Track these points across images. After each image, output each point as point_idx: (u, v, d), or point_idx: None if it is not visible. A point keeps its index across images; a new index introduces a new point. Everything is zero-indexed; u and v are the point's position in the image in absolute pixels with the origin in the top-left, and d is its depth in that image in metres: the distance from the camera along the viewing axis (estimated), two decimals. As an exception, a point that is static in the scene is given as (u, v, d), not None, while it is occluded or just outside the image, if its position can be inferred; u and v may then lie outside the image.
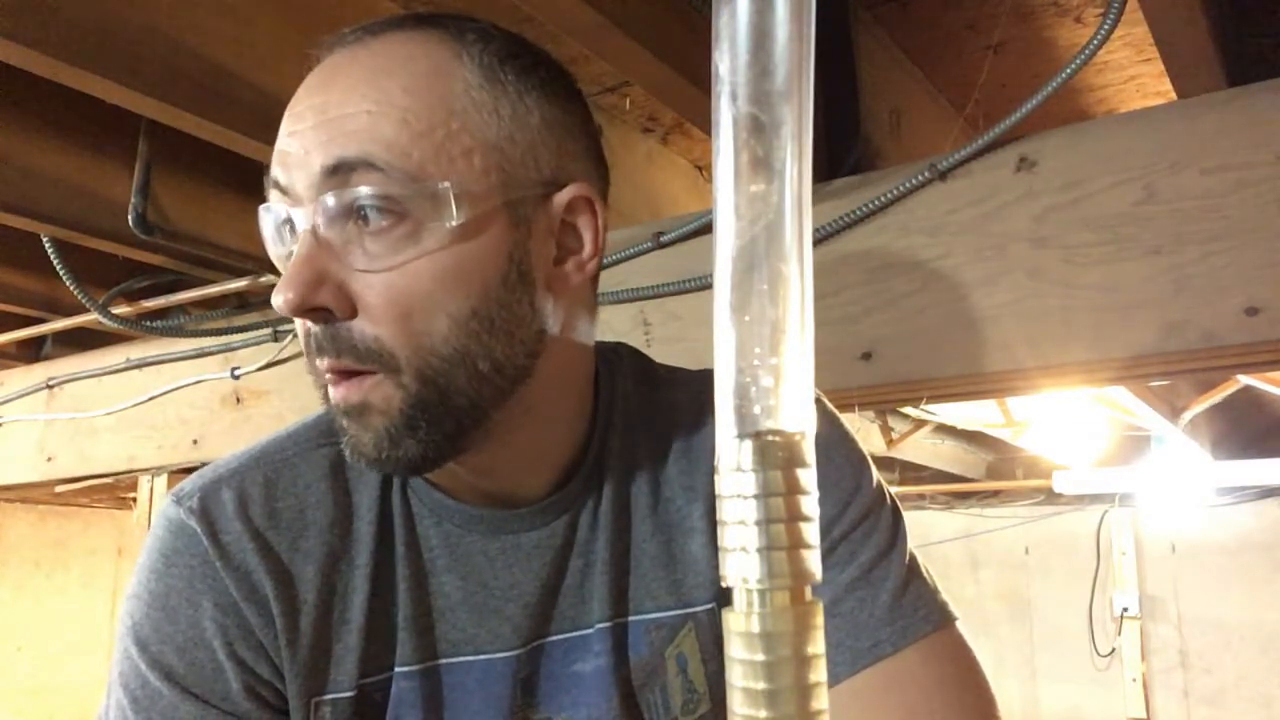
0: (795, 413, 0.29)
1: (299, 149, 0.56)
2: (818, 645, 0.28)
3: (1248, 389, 2.45)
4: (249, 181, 1.20)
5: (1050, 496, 4.10)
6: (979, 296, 1.15)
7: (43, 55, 0.96)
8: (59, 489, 2.30)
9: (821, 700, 0.28)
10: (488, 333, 0.57)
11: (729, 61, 0.29)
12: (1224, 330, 1.01)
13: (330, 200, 0.55)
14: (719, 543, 0.29)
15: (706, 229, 1.33)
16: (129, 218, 1.45)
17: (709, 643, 0.68)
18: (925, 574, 0.68)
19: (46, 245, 1.62)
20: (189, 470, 1.94)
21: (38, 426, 2.25)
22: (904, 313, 1.19)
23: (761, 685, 0.28)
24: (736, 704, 0.28)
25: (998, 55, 1.51)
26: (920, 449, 3.38)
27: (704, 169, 1.91)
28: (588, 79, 1.52)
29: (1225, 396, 2.55)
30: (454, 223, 0.55)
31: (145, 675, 0.62)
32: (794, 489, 0.28)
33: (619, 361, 0.73)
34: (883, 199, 1.21)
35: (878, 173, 1.27)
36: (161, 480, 2.02)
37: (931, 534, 4.39)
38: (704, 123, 1.35)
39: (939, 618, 0.65)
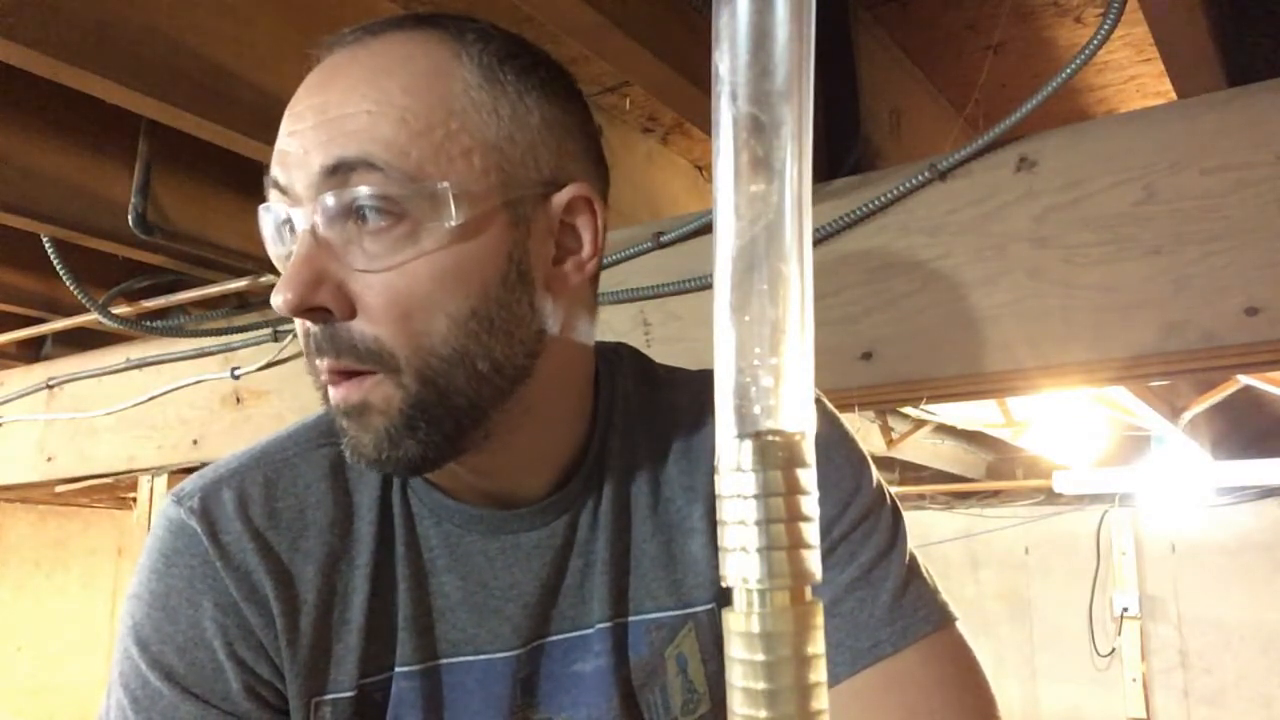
0: (795, 413, 0.29)
1: (298, 149, 0.56)
2: (818, 645, 0.28)
3: (1248, 389, 2.45)
4: (249, 181, 1.20)
5: (1050, 496, 4.10)
6: (979, 296, 1.15)
7: (43, 55, 0.96)
8: (59, 489, 2.30)
9: (821, 700, 0.28)
10: (487, 333, 0.57)
11: (729, 61, 0.29)
12: (1224, 330, 1.01)
13: (329, 200, 0.55)
14: (719, 543, 0.29)
15: (706, 229, 1.33)
16: (129, 218, 1.45)
17: (709, 643, 0.68)
18: (925, 574, 0.68)
19: (46, 245, 1.62)
20: (189, 470, 1.94)
21: (38, 426, 2.25)
22: (904, 313, 1.19)
23: (761, 685, 0.28)
24: (736, 704, 0.28)
25: (998, 55, 1.51)
26: (920, 449, 3.38)
27: (704, 169, 1.91)
28: (588, 79, 1.52)
29: (1225, 396, 2.55)
30: (453, 223, 0.55)
31: (145, 675, 0.62)
32: (794, 489, 0.28)
33: (619, 361, 0.73)
34: (883, 199, 1.21)
35: (878, 173, 1.27)
36: (161, 480, 2.02)
37: (931, 534, 4.39)
38: (704, 123, 1.35)
39: (939, 618, 0.65)
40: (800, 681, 0.28)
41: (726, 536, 0.29)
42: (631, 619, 0.67)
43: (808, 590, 0.29)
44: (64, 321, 2.03)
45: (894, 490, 0.72)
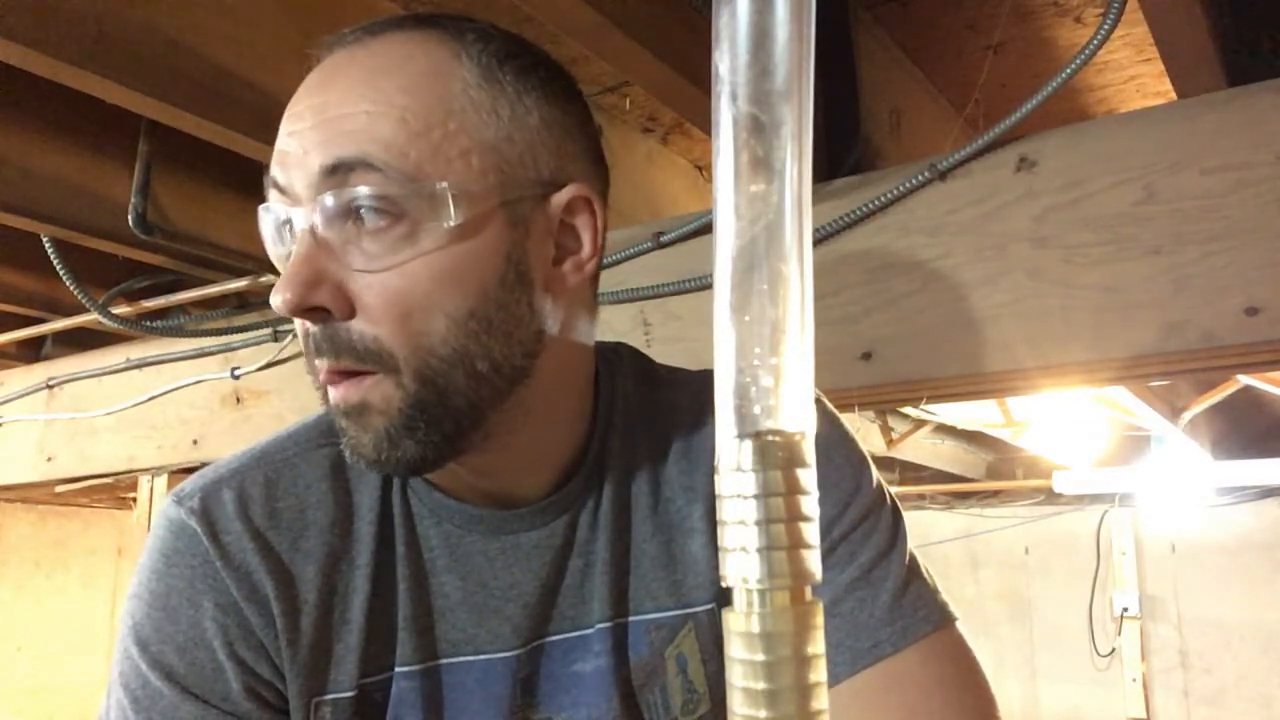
0: (795, 413, 0.29)
1: (298, 149, 0.56)
2: (818, 645, 0.28)
3: (1248, 389, 2.45)
4: (249, 181, 1.20)
5: (1050, 496, 4.10)
6: (979, 296, 1.15)
7: (43, 55, 0.96)
8: (59, 489, 2.30)
9: (821, 700, 0.28)
10: (486, 333, 0.57)
11: (729, 61, 0.29)
12: (1224, 330, 1.01)
13: (328, 200, 0.55)
14: (719, 543, 0.29)
15: (706, 229, 1.33)
16: (129, 218, 1.45)
17: (709, 643, 0.68)
18: (925, 574, 0.68)
19: (46, 245, 1.62)
20: (189, 470, 1.94)
21: (38, 426, 2.25)
22: (904, 313, 1.19)
23: (761, 685, 0.28)
24: (736, 704, 0.28)
25: (998, 55, 1.51)
26: (920, 449, 3.38)
27: (704, 169, 1.91)
28: (588, 79, 1.52)
29: (1225, 396, 2.55)
30: (451, 223, 0.55)
31: (146, 675, 0.62)
32: (794, 489, 0.28)
33: (619, 361, 0.73)
34: (883, 199, 1.21)
35: (878, 173, 1.27)
36: (161, 480, 2.02)
37: (931, 534, 4.39)
38: (704, 123, 1.35)
39: (939, 618, 0.65)
40: (800, 681, 0.28)
41: (726, 536, 0.29)
42: (631, 619, 0.67)
43: (808, 590, 0.29)
44: (64, 321, 2.04)
45: (894, 490, 0.72)
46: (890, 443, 2.92)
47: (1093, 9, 1.40)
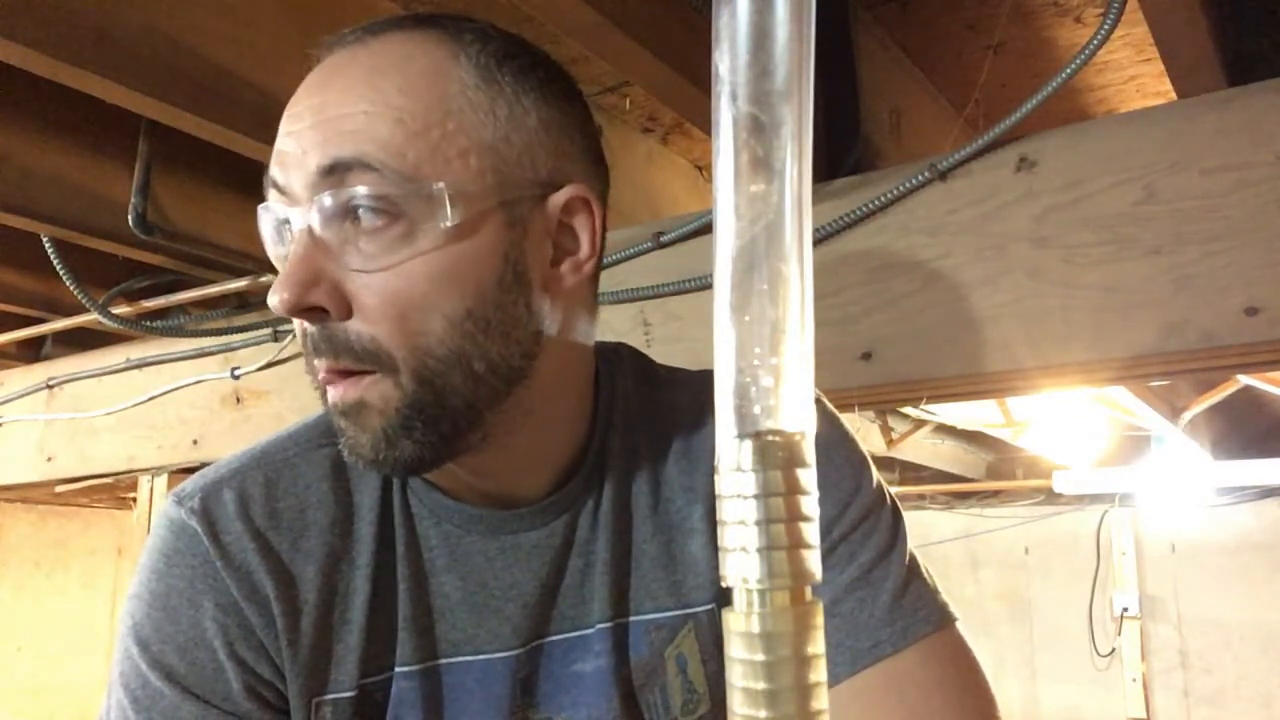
0: (795, 413, 0.29)
1: (296, 149, 0.56)
2: (818, 645, 0.28)
3: (1248, 389, 2.45)
4: (249, 181, 1.20)
5: (1050, 496, 4.10)
6: (979, 296, 1.15)
7: (43, 55, 0.96)
8: (59, 489, 2.30)
9: (821, 700, 0.28)
10: (483, 334, 0.57)
11: (729, 61, 0.29)
12: (1224, 330, 1.01)
13: (326, 200, 0.55)
14: (719, 543, 0.29)
15: (706, 229, 1.33)
16: (129, 218, 1.45)
17: (709, 643, 0.68)
18: (925, 574, 0.68)
19: (46, 245, 1.62)
20: (189, 470, 1.94)
21: (38, 426, 2.25)
22: (904, 313, 1.19)
23: (761, 685, 0.28)
24: (736, 704, 0.28)
25: (998, 55, 1.51)
26: (920, 449, 3.38)
27: (704, 169, 1.91)
28: (588, 79, 1.52)
29: (1225, 396, 2.55)
30: (448, 223, 0.55)
31: (146, 675, 0.62)
32: (794, 489, 0.28)
33: (619, 362, 0.73)
34: (883, 199, 1.21)
35: (878, 173, 1.27)
36: (161, 480, 2.02)
37: (931, 534, 4.39)
38: (704, 123, 1.35)
39: (939, 618, 0.65)
40: (800, 681, 0.28)
41: (726, 536, 0.29)
42: (631, 619, 0.67)
43: (808, 590, 0.29)
44: (64, 321, 2.03)
45: (894, 490, 0.72)
46: (890, 443, 2.92)
47: (1093, 9, 1.41)
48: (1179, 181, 1.05)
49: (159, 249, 1.56)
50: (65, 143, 1.42)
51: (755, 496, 0.28)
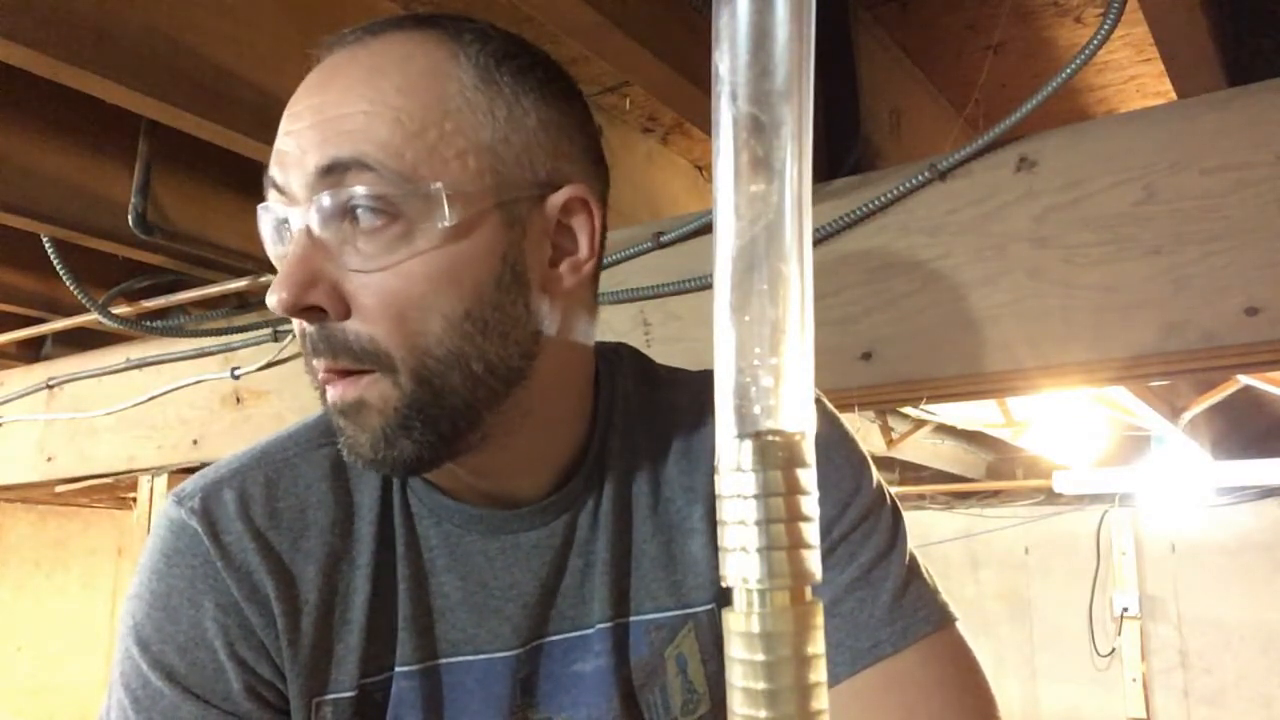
0: (795, 413, 0.29)
1: (295, 149, 0.56)
2: (818, 645, 0.28)
3: (1248, 389, 2.45)
4: (249, 181, 1.20)
5: (1050, 496, 4.10)
6: (979, 296, 1.15)
7: (43, 55, 0.96)
8: (59, 489, 2.30)
9: (821, 700, 0.28)
10: (481, 334, 0.57)
11: (729, 61, 0.29)
12: (1224, 330, 1.01)
13: (325, 200, 0.55)
14: (719, 543, 0.29)
15: (706, 229, 1.33)
16: (129, 218, 1.45)
17: (709, 643, 0.68)
18: (925, 574, 0.68)
19: (46, 245, 1.62)
20: (189, 470, 1.94)
21: (38, 426, 2.25)
22: (904, 313, 1.19)
23: (761, 685, 0.28)
24: (736, 704, 0.28)
25: (998, 55, 1.51)
26: (920, 449, 3.38)
27: (704, 169, 1.91)
28: (588, 79, 1.52)
29: (1225, 396, 2.55)
30: (446, 223, 0.55)
31: (146, 675, 0.62)
32: (794, 489, 0.28)
33: (619, 362, 0.73)
34: (883, 199, 1.21)
35: (878, 173, 1.27)
36: (161, 480, 2.02)
37: (931, 534, 4.39)
38: (704, 123, 1.35)
39: (939, 618, 0.65)
40: (800, 681, 0.28)
41: (726, 536, 0.29)
42: (632, 619, 0.67)
43: (808, 590, 0.29)
44: (64, 321, 2.03)
45: (894, 490, 0.72)
46: (890, 443, 2.92)
47: (1093, 9, 1.41)
48: (1179, 181, 1.05)
49: (159, 249, 1.56)
50: (65, 143, 1.42)
51: (755, 496, 0.28)
